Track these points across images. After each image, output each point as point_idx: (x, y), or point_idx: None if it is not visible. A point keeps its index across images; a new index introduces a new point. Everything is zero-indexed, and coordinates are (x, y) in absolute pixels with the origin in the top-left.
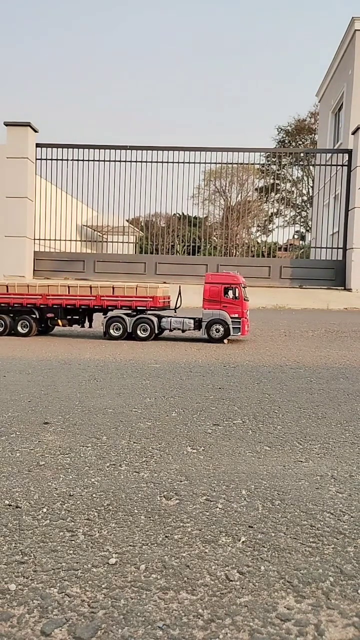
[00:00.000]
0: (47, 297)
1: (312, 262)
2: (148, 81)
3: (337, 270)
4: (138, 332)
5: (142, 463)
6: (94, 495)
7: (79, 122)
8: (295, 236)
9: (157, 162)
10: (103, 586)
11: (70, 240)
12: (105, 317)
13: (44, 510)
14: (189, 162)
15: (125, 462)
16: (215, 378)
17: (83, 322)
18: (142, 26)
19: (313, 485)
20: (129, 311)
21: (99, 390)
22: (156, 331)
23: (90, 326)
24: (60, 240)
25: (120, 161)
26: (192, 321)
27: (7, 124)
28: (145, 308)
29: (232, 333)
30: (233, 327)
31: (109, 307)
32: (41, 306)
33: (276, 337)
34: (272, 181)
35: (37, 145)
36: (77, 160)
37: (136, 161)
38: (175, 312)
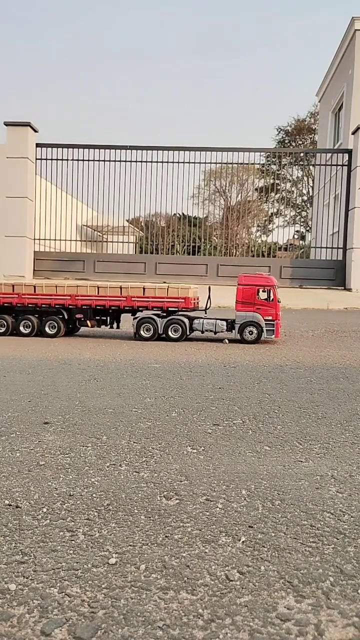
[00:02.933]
0: (76, 297)
1: (312, 262)
2: (148, 81)
3: (337, 270)
4: (169, 333)
5: (142, 463)
6: (94, 495)
7: (79, 122)
8: (295, 236)
9: (157, 162)
10: (103, 586)
11: (70, 240)
12: (135, 318)
13: (44, 510)
14: (189, 162)
15: (125, 462)
16: (215, 378)
17: (112, 323)
18: (142, 25)
19: (313, 485)
20: (159, 312)
21: (99, 390)
22: (188, 332)
23: (118, 327)
24: (60, 240)
25: (120, 161)
26: (224, 323)
27: (7, 124)
28: (177, 309)
29: (265, 335)
30: (267, 330)
31: (140, 308)
32: (70, 307)
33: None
34: (272, 181)
35: (37, 145)
36: (77, 160)
37: (136, 161)
38: (206, 313)
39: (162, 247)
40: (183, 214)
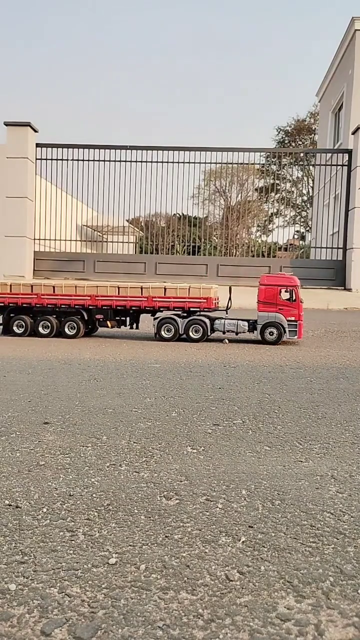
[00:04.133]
0: (96, 297)
1: (312, 262)
2: (148, 80)
3: (337, 270)
4: (190, 333)
5: (142, 463)
6: (94, 495)
7: (79, 122)
8: (295, 236)
9: (157, 162)
10: (103, 586)
11: (70, 240)
12: (156, 319)
13: (44, 510)
14: (189, 162)
15: (125, 462)
16: (215, 378)
17: (132, 324)
18: (141, 25)
19: (313, 485)
20: (180, 312)
21: (99, 390)
22: (209, 333)
23: (137, 327)
24: (60, 240)
25: (120, 161)
26: (246, 324)
27: (7, 124)
28: (198, 309)
29: (288, 336)
30: (289, 330)
31: (161, 308)
32: (90, 307)
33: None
34: (272, 181)
35: (37, 145)
36: (77, 160)
37: (136, 161)
38: (227, 313)
39: (162, 247)
40: (183, 214)
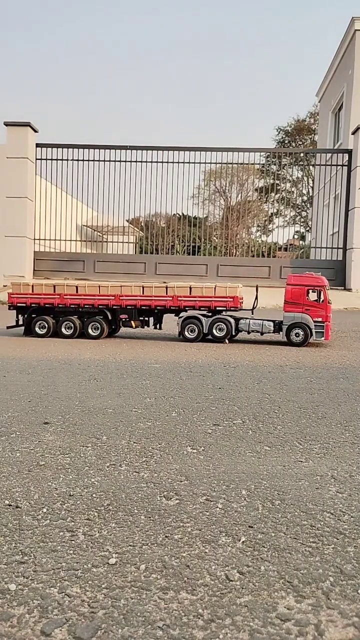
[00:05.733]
0: (121, 297)
1: (312, 262)
2: (148, 80)
3: (337, 270)
4: (214, 332)
5: (142, 463)
6: (94, 495)
7: (79, 122)
8: (295, 236)
9: (157, 162)
10: (103, 586)
11: (70, 240)
12: (180, 318)
13: (44, 510)
14: (189, 162)
15: (125, 462)
16: (215, 378)
17: (156, 324)
18: (141, 24)
19: (313, 485)
20: (204, 312)
21: (99, 390)
22: (233, 332)
23: (161, 327)
24: (60, 240)
25: (120, 161)
26: (271, 324)
27: (7, 124)
28: (224, 308)
29: (314, 337)
30: (316, 332)
31: (186, 308)
32: (114, 307)
33: (276, 336)
34: (272, 181)
35: (37, 145)
36: (77, 160)
37: (136, 161)
38: (252, 313)
39: (162, 247)
40: (183, 214)
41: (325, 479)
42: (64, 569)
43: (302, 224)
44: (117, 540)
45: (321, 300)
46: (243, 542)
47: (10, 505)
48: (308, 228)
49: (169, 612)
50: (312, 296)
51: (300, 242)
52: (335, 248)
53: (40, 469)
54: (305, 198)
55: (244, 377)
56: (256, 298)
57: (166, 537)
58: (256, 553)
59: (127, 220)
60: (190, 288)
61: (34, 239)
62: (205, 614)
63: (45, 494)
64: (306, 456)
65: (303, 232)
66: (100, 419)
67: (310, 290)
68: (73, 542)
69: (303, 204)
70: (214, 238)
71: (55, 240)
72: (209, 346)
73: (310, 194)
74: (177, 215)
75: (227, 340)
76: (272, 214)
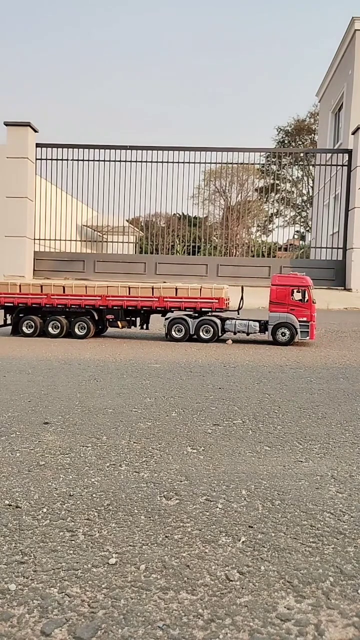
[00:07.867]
0: (107, 298)
1: (312, 262)
2: (148, 81)
3: (337, 270)
4: (201, 333)
5: (142, 463)
6: (94, 495)
7: (79, 122)
8: (295, 236)
9: (157, 162)
10: (103, 586)
11: (70, 240)
12: (166, 319)
13: (44, 510)
14: (189, 162)
15: (125, 462)
16: (215, 378)
17: (142, 324)
18: (141, 24)
19: (313, 485)
20: (191, 313)
21: (99, 390)
22: (219, 334)
23: (147, 328)
24: (60, 240)
25: (120, 161)
26: (257, 324)
27: (7, 124)
28: (210, 310)
29: (300, 337)
30: (301, 331)
31: (172, 309)
32: (100, 307)
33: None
34: (272, 181)
35: (37, 145)
36: (77, 160)
37: (136, 161)
38: (238, 313)
39: (162, 247)
40: (183, 214)
41: (325, 479)
42: (64, 569)
43: (302, 224)
44: (117, 540)
45: (306, 300)
46: (243, 542)
47: (10, 505)
48: (308, 228)
49: (169, 612)
50: (297, 296)
51: (300, 242)
52: (335, 248)
53: (40, 469)
54: (305, 198)
55: (244, 377)
56: (242, 299)
57: (166, 537)
58: (256, 553)
59: (127, 220)
60: (177, 289)
61: (34, 239)
62: (205, 614)
63: (45, 494)
64: (306, 456)
65: (303, 232)
66: (100, 419)
67: (295, 290)
68: (73, 542)
69: (303, 204)
70: (214, 238)
71: (55, 240)
72: (209, 346)
73: (310, 194)
74: (177, 215)
75: (229, 341)
76: (272, 214)
